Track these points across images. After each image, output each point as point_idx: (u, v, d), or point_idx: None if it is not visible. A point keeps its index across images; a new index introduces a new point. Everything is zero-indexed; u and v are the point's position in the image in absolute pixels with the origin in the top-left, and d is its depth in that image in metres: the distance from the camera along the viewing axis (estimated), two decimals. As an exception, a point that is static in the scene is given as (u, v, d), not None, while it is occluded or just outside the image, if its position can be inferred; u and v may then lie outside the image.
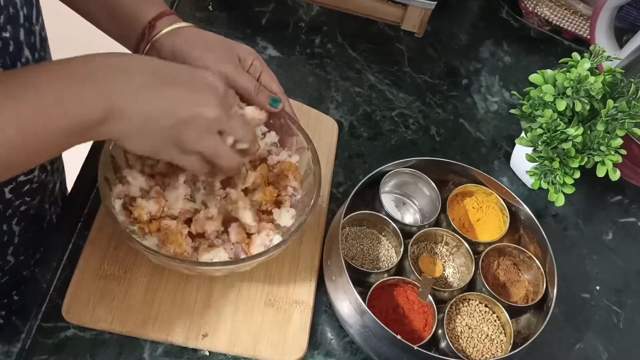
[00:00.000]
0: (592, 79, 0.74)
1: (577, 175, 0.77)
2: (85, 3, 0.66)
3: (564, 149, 0.76)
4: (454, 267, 0.75)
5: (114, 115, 0.49)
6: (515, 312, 0.71)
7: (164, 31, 0.64)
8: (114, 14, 0.66)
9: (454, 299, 0.70)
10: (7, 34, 0.54)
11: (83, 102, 0.48)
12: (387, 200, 0.80)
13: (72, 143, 0.50)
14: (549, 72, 0.77)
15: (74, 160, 0.80)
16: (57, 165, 0.75)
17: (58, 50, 0.69)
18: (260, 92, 0.65)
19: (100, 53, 0.51)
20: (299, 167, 0.69)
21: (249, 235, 0.64)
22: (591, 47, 0.79)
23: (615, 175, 0.75)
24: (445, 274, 0.75)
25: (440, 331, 0.67)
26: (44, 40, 0.62)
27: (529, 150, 0.80)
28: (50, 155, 0.52)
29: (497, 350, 0.68)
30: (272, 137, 0.70)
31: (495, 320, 0.70)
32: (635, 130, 0.75)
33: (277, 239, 0.63)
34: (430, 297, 0.68)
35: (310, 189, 0.67)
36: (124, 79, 0.51)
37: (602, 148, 0.75)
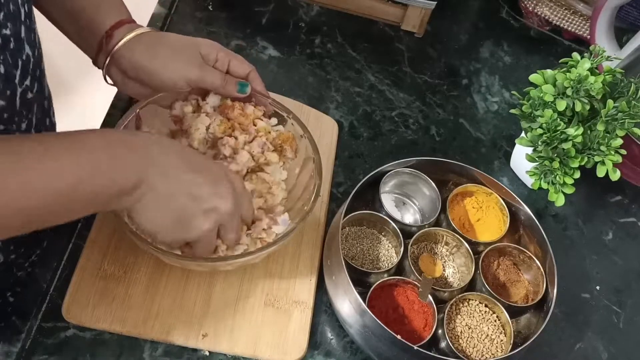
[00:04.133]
0: (592, 79, 0.74)
1: (577, 175, 0.77)
2: (52, 10, 0.66)
3: (564, 149, 0.76)
4: (454, 267, 0.75)
5: (144, 185, 0.52)
6: (515, 312, 0.71)
7: (122, 42, 0.63)
8: (77, 23, 0.65)
9: (454, 299, 0.69)
10: (7, 31, 0.54)
11: (126, 169, 0.51)
12: (387, 200, 0.80)
13: (99, 207, 0.53)
14: (549, 72, 0.77)
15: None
16: None
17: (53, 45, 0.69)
18: (228, 83, 0.66)
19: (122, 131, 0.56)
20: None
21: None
22: (591, 47, 0.79)
23: (615, 175, 0.75)
24: (445, 274, 0.75)
25: (440, 331, 0.67)
26: (39, 38, 0.61)
27: (529, 150, 0.80)
28: (76, 215, 0.54)
29: (497, 350, 0.68)
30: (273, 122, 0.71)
31: (495, 320, 0.70)
32: (635, 130, 0.75)
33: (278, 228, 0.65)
34: (430, 297, 0.68)
35: (311, 176, 0.67)
36: (160, 156, 0.53)
37: (602, 148, 0.75)
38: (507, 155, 0.91)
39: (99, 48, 0.65)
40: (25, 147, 0.47)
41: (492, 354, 0.68)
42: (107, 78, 0.68)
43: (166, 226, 0.56)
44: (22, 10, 0.56)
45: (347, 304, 0.65)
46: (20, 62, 0.57)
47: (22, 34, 0.56)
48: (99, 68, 0.67)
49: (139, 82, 0.66)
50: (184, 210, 0.55)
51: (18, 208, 0.46)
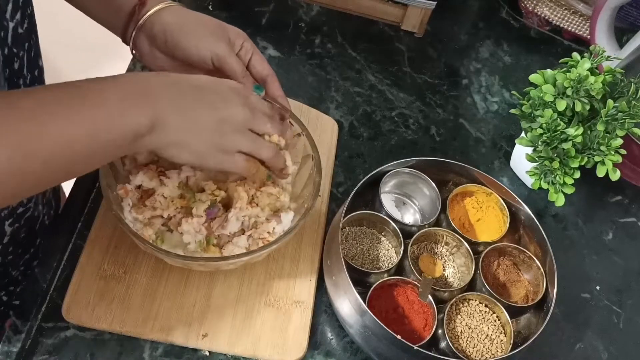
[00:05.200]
0: (592, 79, 0.74)
1: (577, 175, 0.77)
2: None
3: (564, 149, 0.76)
4: (454, 267, 0.75)
5: (159, 124, 0.52)
6: (515, 312, 0.71)
7: (154, 9, 0.64)
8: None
9: (454, 299, 0.69)
10: None
11: (138, 113, 0.51)
12: (387, 200, 0.80)
13: (121, 152, 0.54)
14: (549, 72, 0.77)
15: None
16: None
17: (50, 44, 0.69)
18: (246, 78, 0.65)
19: (145, 73, 0.57)
20: (292, 155, 0.70)
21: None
22: (591, 47, 0.79)
23: (615, 175, 0.75)
24: (445, 274, 0.75)
25: (440, 331, 0.67)
26: (20, 36, 0.60)
27: (529, 150, 0.80)
28: (99, 164, 0.55)
29: (497, 350, 0.68)
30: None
31: (495, 320, 0.70)
32: (635, 130, 0.75)
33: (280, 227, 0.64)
34: (430, 297, 0.68)
35: (310, 174, 0.67)
36: (167, 92, 0.54)
37: (602, 148, 0.75)
38: (507, 155, 0.91)
39: (129, 18, 0.65)
40: (35, 101, 0.47)
41: (492, 354, 0.68)
42: (134, 50, 0.68)
43: (203, 154, 0.56)
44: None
45: (347, 304, 0.65)
46: None
47: None
48: (125, 42, 0.67)
49: (165, 53, 0.66)
50: (210, 131, 0.55)
51: (42, 160, 0.47)
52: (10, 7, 0.57)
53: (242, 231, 0.64)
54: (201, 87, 0.57)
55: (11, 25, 0.58)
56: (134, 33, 0.65)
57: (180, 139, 0.54)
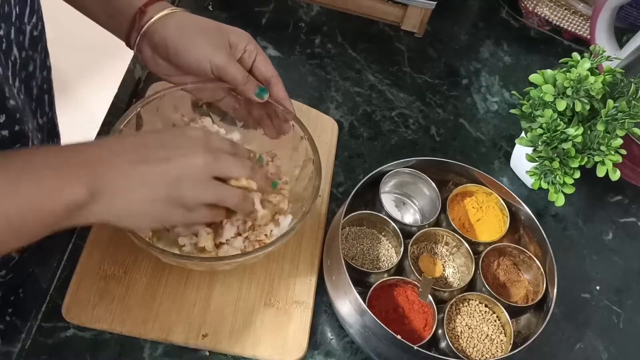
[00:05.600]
0: (592, 79, 0.74)
1: (577, 175, 0.77)
2: None
3: (564, 149, 0.76)
4: (454, 267, 0.75)
5: (102, 191, 0.49)
6: (515, 312, 0.71)
7: (154, 18, 0.63)
8: (106, 2, 0.65)
9: (454, 299, 0.69)
10: (0, 32, 0.54)
11: (73, 184, 0.48)
12: (387, 200, 0.80)
13: (63, 223, 0.49)
14: (549, 72, 0.77)
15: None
16: None
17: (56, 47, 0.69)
18: (249, 82, 0.64)
19: (87, 142, 0.52)
20: (294, 157, 0.70)
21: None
22: (591, 47, 0.79)
23: (615, 175, 0.75)
24: (445, 274, 0.75)
25: (440, 331, 0.67)
26: (35, 39, 0.61)
27: (529, 150, 0.80)
28: (39, 235, 0.50)
29: (497, 350, 0.68)
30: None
31: (495, 320, 0.70)
32: (635, 130, 0.75)
33: (279, 229, 0.64)
34: (430, 297, 0.68)
35: (310, 177, 0.67)
36: (112, 156, 0.51)
37: (602, 148, 0.75)
38: (507, 155, 0.91)
39: (131, 25, 0.65)
40: None
41: (492, 354, 0.68)
42: (139, 55, 0.68)
43: (163, 215, 0.53)
44: (14, 12, 0.55)
45: (347, 304, 0.65)
46: (10, 64, 0.56)
47: (12, 35, 0.56)
48: (129, 47, 0.67)
49: (167, 61, 0.65)
50: (165, 190, 0.52)
51: None
52: (27, 10, 0.57)
53: (239, 234, 0.64)
54: (154, 143, 0.53)
55: (28, 28, 0.58)
56: (137, 40, 0.65)
57: (131, 205, 0.51)
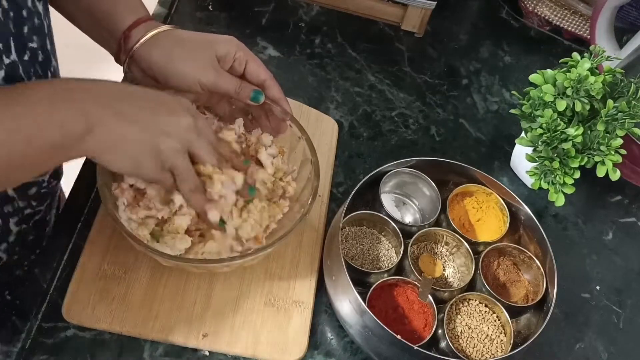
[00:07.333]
0: (592, 79, 0.74)
1: (577, 175, 0.77)
2: (70, 8, 0.66)
3: (564, 149, 0.76)
4: (454, 267, 0.75)
5: (94, 126, 0.51)
6: (515, 312, 0.71)
7: (139, 43, 0.63)
8: (95, 21, 0.65)
9: (454, 299, 0.70)
10: (34, 44, 0.55)
11: (67, 119, 0.50)
12: (387, 200, 0.80)
13: (61, 154, 0.52)
14: (549, 72, 0.77)
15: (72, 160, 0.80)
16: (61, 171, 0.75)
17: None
18: (242, 90, 0.64)
19: (74, 78, 0.54)
20: (292, 158, 0.70)
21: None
22: (591, 47, 0.79)
23: (615, 175, 0.75)
24: (445, 274, 0.75)
25: (440, 331, 0.67)
26: (50, 32, 0.62)
27: (529, 150, 0.80)
28: (38, 171, 0.53)
29: (497, 350, 0.68)
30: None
31: (495, 320, 0.70)
32: (635, 130, 0.75)
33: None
34: (430, 297, 0.68)
35: (309, 178, 0.67)
36: (101, 96, 0.53)
37: (602, 148, 0.75)
38: (507, 155, 0.91)
39: (118, 48, 0.65)
40: None
41: (492, 354, 0.68)
42: (129, 75, 0.68)
43: (139, 162, 0.55)
44: (45, 23, 0.57)
45: (347, 304, 0.65)
46: (50, 75, 0.58)
47: (48, 47, 0.57)
48: (120, 65, 0.67)
49: (157, 81, 0.65)
50: (149, 137, 0.54)
51: None
52: (41, 6, 0.58)
53: None
54: (150, 97, 0.56)
55: (45, 23, 0.59)
56: (126, 62, 0.65)
57: (119, 141, 0.53)
